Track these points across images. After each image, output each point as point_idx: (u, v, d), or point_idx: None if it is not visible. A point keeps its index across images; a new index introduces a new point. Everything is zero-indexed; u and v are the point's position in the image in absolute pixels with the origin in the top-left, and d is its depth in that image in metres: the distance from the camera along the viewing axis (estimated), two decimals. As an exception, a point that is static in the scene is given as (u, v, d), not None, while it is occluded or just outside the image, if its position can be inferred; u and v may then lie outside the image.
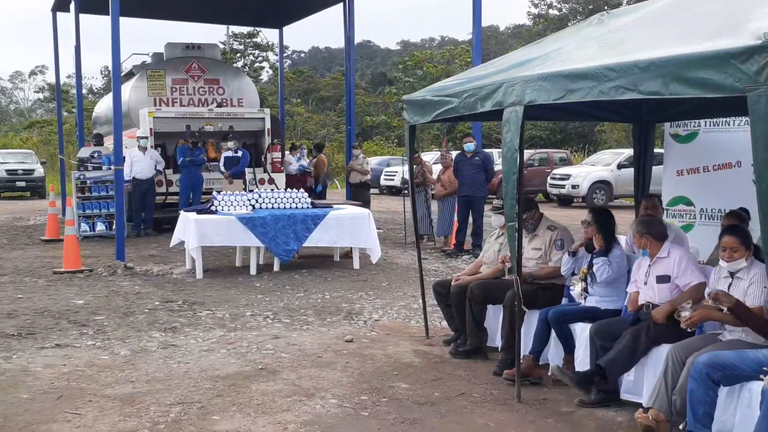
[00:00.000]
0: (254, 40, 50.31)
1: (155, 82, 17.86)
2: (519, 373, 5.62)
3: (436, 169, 15.38)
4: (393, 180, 29.14)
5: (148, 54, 19.56)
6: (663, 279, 5.44)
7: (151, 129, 15.78)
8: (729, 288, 4.85)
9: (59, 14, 20.87)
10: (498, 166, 17.43)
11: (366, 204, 14.42)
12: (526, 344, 6.03)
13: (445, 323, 7.40)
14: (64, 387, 5.87)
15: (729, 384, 4.46)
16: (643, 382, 5.20)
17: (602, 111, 7.54)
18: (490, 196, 13.12)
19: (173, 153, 16.09)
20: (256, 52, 52.12)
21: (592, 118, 8.81)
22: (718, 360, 4.48)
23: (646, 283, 5.51)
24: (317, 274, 10.97)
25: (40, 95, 66.44)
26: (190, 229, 10.59)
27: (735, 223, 5.52)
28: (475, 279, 6.91)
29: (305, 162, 17.78)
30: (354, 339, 7.32)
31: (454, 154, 13.82)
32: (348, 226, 11.27)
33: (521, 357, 5.72)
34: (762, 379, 4.14)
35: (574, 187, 23.96)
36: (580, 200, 23.73)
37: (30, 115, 64.26)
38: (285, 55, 48.37)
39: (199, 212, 11.09)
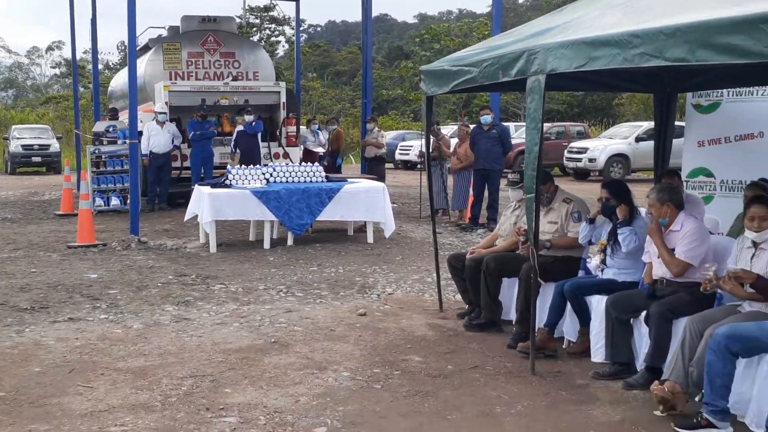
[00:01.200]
0: (270, 13, 50.08)
1: (171, 55, 17.72)
2: (533, 345, 5.54)
3: (454, 143, 15.22)
4: (408, 154, 28.97)
5: (164, 27, 19.46)
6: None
7: (166, 103, 15.68)
8: (752, 258, 4.77)
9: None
10: (515, 140, 17.38)
11: (381, 178, 14.31)
12: (540, 317, 5.95)
13: (459, 297, 7.34)
14: (76, 360, 5.86)
15: (748, 356, 4.39)
16: (660, 353, 5.10)
17: (623, 81, 7.40)
18: (506, 170, 12.98)
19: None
20: (272, 26, 51.89)
21: (613, 89, 8.65)
22: (738, 332, 4.40)
23: (659, 256, 5.39)
24: (331, 248, 10.92)
25: (57, 71, 66.54)
26: (204, 203, 10.56)
27: (760, 194, 5.37)
28: (490, 252, 6.83)
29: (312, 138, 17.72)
30: (367, 312, 7.26)
31: (472, 127, 13.67)
32: (362, 200, 11.20)
33: (536, 330, 5.64)
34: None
35: (591, 160, 23.68)
36: (597, 174, 23.51)
37: (46, 90, 64.39)
38: (301, 29, 47.96)
39: (214, 186, 11.06)
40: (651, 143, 8.19)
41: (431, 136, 13.42)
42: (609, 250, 5.90)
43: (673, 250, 5.31)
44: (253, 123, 15.09)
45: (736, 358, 4.38)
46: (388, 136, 26.85)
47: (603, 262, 5.95)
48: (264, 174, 11.21)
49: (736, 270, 4.68)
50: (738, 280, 4.61)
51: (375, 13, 19.78)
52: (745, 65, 3.91)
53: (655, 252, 5.43)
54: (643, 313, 5.26)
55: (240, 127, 15.15)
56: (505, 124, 17.00)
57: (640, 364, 5.30)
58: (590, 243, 6.26)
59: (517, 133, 23.03)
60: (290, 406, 4.89)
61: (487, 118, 12.81)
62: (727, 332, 4.39)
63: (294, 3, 23.16)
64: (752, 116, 7.68)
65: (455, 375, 5.51)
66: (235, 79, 17.52)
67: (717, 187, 8.05)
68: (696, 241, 5.27)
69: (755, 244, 4.78)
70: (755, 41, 3.53)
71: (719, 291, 4.93)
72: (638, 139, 23.24)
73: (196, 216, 11.01)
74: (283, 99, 16.78)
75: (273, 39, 52.06)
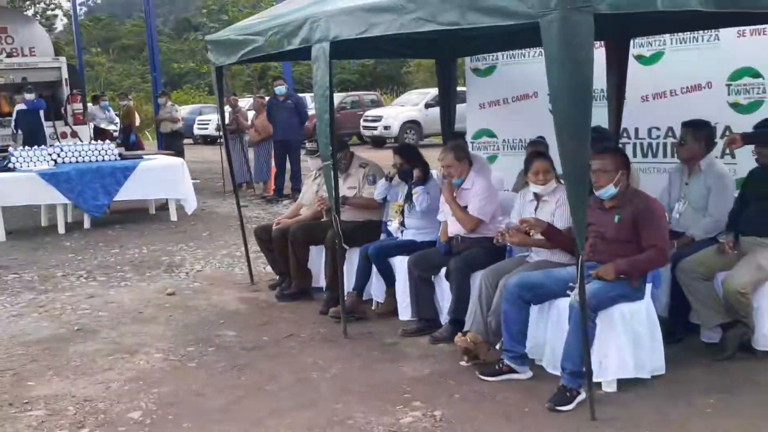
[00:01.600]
0: (44, -15, 46.91)
1: (-67, 34, 16.32)
2: (344, 309, 5.71)
3: (252, 115, 15.13)
4: (207, 128, 28.39)
5: (-77, 4, 17.78)
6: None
7: None
8: (535, 211, 5.10)
9: None
10: (311, 111, 17.55)
11: (180, 154, 13.97)
12: (349, 282, 6.10)
13: (269, 268, 7.38)
14: None
15: (539, 302, 4.70)
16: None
17: (407, 48, 7.61)
18: (305, 140, 13.11)
19: None
20: (47, -2, 48.69)
21: (399, 55, 8.97)
22: (528, 280, 4.70)
23: (453, 215, 5.63)
24: (132, 228, 10.56)
25: None
26: (-13, 190, 9.85)
27: (540, 150, 5.75)
28: (295, 221, 6.90)
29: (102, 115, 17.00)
30: (176, 291, 7.14)
31: (267, 99, 13.67)
32: (161, 177, 10.91)
33: (345, 294, 5.81)
34: (569, 296, 4.38)
35: (386, 128, 24.62)
36: (393, 141, 24.21)
37: None
38: (80, 1, 45.45)
39: (-5, 171, 10.33)
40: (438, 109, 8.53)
41: (229, 107, 13.38)
42: (406, 210, 6.13)
43: (466, 207, 5.58)
44: (35, 101, 14.21)
45: (528, 306, 4.68)
46: (185, 110, 26.17)
47: (402, 224, 6.18)
48: (51, 154, 10.59)
49: (528, 219, 4.96)
50: (530, 227, 4.88)
51: (156, -19, 19.18)
52: (516, 28, 4.11)
53: (449, 211, 5.68)
54: (443, 270, 5.54)
55: (20, 106, 14.23)
56: (301, 95, 17.12)
57: (444, 319, 5.59)
58: (385, 200, 6.48)
59: (314, 104, 23.17)
60: (101, 394, 4.75)
61: (281, 89, 12.98)
62: (517, 282, 4.68)
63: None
64: (526, 77, 8.13)
65: (270, 345, 5.57)
66: (9, 55, 16.41)
67: (500, 146, 8.54)
68: (486, 198, 5.58)
69: (537, 197, 5.11)
70: (519, 2, 3.69)
71: (509, 244, 5.25)
72: (427, 106, 24.18)
73: (-21, 205, 10.25)
74: (65, 75, 16.09)
75: (49, 13, 48.84)
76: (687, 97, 7.00)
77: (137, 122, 17.02)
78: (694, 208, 5.40)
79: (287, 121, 12.79)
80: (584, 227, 3.95)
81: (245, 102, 23.55)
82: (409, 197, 6.09)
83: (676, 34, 6.96)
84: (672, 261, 4.96)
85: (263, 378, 4.94)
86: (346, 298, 5.82)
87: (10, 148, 11.39)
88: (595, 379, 4.21)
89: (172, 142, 15.57)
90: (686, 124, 5.56)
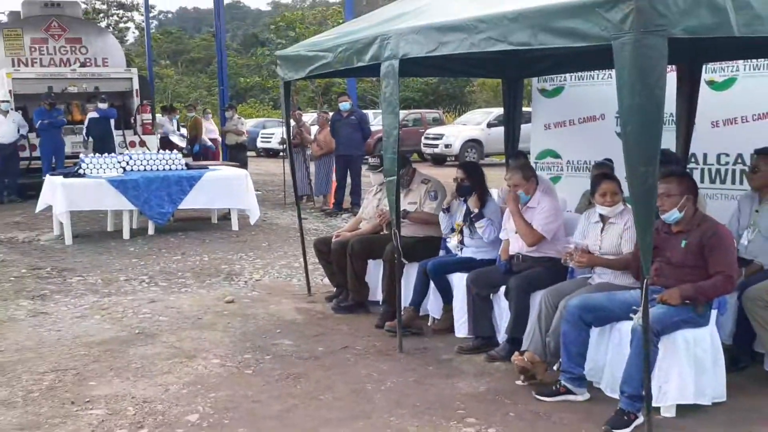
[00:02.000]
0: (118, -1, 48.31)
1: (12, 41, 16.99)
2: (400, 324, 5.70)
3: (315, 130, 15.31)
4: (270, 142, 28.79)
5: (3, 13, 18.60)
6: None
7: (10, 91, 14.97)
8: (601, 232, 5.03)
9: None
10: (373, 127, 17.68)
11: (243, 165, 14.23)
12: (406, 296, 6.09)
13: (326, 280, 7.42)
14: (-76, 360, 5.53)
15: (600, 325, 4.65)
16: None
17: (473, 67, 7.62)
18: (366, 156, 13.21)
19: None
20: (120, 12, 50.05)
21: (465, 75, 9.00)
22: (589, 302, 4.66)
23: (516, 231, 5.60)
24: (194, 236, 10.75)
25: None
26: (58, 194, 10.13)
27: (606, 172, 5.65)
28: (355, 235, 6.93)
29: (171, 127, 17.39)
30: (235, 299, 7.23)
31: (331, 114, 13.82)
32: (225, 188, 11.08)
33: (402, 309, 5.80)
34: (631, 319, 4.30)
35: (447, 146, 24.64)
36: (453, 159, 24.25)
37: None
38: (151, 15, 46.65)
39: (66, 176, 10.63)
40: (502, 129, 8.51)
41: (293, 122, 13.56)
42: (466, 231, 6.10)
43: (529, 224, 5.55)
44: (107, 109, 14.65)
45: (588, 328, 4.64)
46: (249, 123, 26.59)
47: (461, 242, 6.15)
48: (120, 162, 10.84)
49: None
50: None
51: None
52: (585, 50, 4.08)
53: (512, 228, 5.64)
54: (503, 288, 5.51)
55: (92, 114, 14.67)
56: (363, 111, 17.27)
57: (501, 337, 5.54)
58: (452, 230, 6.44)
59: (376, 120, 23.38)
60: (160, 396, 4.83)
61: (345, 105, 13.08)
62: (579, 303, 4.64)
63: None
64: (593, 99, 8.07)
65: (326, 356, 5.59)
66: (82, 65, 16.95)
67: (564, 167, 8.47)
68: (551, 217, 5.55)
69: (603, 219, 5.04)
70: (592, 24, 3.67)
71: (571, 265, 5.19)
72: (490, 125, 24.24)
73: (49, 208, 10.57)
74: (136, 86, 16.46)
75: (122, 25, 50.20)
76: (759, 125, 6.86)
77: (213, 134, 17.40)
78: (765, 236, 5.27)
79: (350, 136, 12.90)
80: (651, 251, 3.86)
81: (309, 117, 23.86)
82: (468, 217, 6.05)
83: (749, 60, 6.83)
84: (739, 288, 4.85)
85: (318, 387, 4.95)
86: (402, 313, 5.81)
87: (81, 155, 11.73)
88: (654, 404, 4.12)
89: (236, 154, 15.92)
90: (759, 152, 5.46)
